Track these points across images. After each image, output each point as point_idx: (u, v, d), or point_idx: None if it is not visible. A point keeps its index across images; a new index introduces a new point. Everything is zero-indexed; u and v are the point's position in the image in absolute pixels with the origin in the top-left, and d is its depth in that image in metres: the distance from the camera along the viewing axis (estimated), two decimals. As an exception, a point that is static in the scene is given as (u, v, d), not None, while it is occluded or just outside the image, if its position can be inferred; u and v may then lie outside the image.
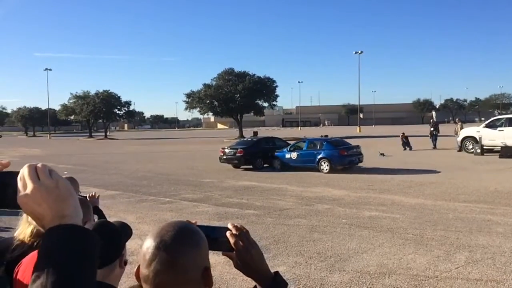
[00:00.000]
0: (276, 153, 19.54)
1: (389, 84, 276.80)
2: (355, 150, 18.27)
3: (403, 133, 27.36)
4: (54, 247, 0.83)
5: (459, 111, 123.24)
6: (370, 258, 6.54)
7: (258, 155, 19.95)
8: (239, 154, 19.48)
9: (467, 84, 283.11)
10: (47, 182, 0.87)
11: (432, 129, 27.68)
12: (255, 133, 43.42)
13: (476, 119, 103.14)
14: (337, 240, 7.56)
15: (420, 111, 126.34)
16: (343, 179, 15.13)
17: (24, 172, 0.88)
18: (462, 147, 23.51)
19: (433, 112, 59.70)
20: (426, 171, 16.43)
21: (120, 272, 1.76)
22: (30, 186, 0.86)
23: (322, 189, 13.09)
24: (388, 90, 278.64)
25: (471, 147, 22.95)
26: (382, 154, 23.50)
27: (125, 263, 1.79)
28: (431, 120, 29.65)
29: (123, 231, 1.84)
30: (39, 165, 0.90)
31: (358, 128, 65.75)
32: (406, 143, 26.82)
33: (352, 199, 11.43)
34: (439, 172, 16.19)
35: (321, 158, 17.57)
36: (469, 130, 24.16)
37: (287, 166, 18.60)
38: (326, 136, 24.11)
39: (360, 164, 18.21)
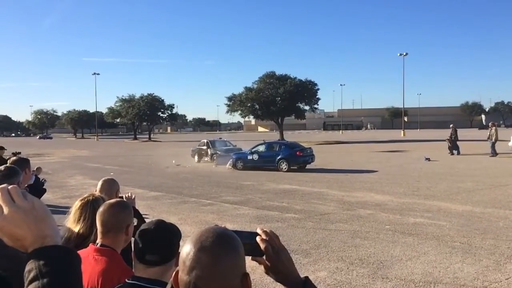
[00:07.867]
0: (237, 154, 22.16)
1: (435, 87, 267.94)
2: (308, 151, 20.78)
3: (451, 136, 26.15)
4: (43, 269, 0.83)
5: (510, 115, 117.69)
6: (414, 266, 6.33)
7: None
8: None
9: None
10: (23, 204, 0.87)
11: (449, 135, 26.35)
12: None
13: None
14: (380, 246, 7.37)
15: (468, 114, 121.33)
16: (387, 184, 14.78)
17: None
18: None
19: (482, 116, 57.30)
20: (474, 177, 15.76)
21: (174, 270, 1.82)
22: (6, 209, 0.85)
23: (364, 194, 12.83)
24: (434, 92, 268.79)
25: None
26: (428, 159, 22.79)
27: None
28: (451, 126, 27.74)
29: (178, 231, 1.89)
30: (10, 187, 0.89)
31: (402, 131, 64.16)
32: (453, 147, 25.78)
33: (396, 204, 11.13)
34: (488, 178, 15.49)
35: (280, 159, 19.90)
36: None
37: (248, 167, 20.74)
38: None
39: (409, 170, 17.67)
